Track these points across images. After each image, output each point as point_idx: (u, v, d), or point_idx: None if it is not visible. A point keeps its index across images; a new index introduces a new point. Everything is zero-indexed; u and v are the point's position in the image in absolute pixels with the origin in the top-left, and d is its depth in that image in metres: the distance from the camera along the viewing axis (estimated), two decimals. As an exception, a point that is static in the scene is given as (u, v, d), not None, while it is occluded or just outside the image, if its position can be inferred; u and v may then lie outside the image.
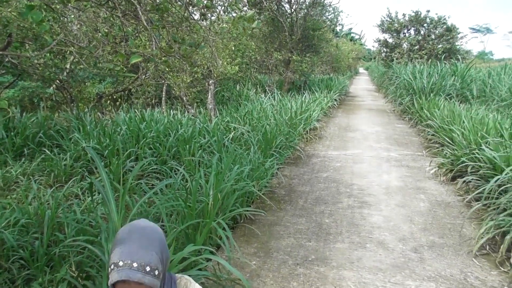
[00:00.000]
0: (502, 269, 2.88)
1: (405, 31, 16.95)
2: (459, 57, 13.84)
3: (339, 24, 15.46)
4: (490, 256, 3.08)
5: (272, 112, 7.46)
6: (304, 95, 10.37)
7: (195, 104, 8.43)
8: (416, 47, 16.00)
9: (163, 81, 7.87)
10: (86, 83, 7.97)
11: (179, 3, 2.69)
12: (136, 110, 6.94)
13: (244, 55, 9.37)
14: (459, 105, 8.15)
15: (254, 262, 2.98)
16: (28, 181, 4.00)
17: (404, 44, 16.72)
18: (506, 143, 4.54)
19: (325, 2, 12.74)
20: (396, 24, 16.68)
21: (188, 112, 7.48)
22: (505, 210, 3.32)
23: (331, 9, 13.53)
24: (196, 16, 2.99)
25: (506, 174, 3.68)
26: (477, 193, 3.87)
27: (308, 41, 12.32)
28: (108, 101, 9.09)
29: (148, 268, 0.96)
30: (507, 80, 9.18)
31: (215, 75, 7.57)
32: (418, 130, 8.29)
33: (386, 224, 3.68)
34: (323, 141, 7.52)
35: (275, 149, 5.63)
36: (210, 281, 2.58)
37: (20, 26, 3.97)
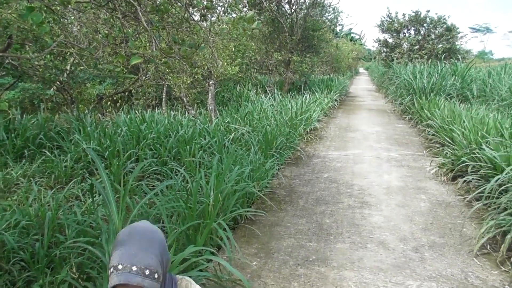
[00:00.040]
0: (503, 268, 2.88)
1: (405, 31, 16.95)
2: (459, 56, 13.83)
3: (339, 25, 15.47)
4: (491, 255, 3.07)
5: (272, 112, 7.46)
6: (304, 96, 10.37)
7: (195, 105, 8.43)
8: (416, 47, 16.00)
9: (163, 82, 7.88)
10: (87, 85, 7.99)
11: (179, 4, 2.70)
12: (136, 111, 6.95)
13: (244, 56, 9.37)
14: (460, 105, 8.15)
15: (254, 263, 2.98)
16: (28, 182, 4.00)
17: (404, 44, 16.73)
18: (507, 142, 4.53)
19: (325, 2, 12.76)
20: (396, 24, 16.69)
21: (188, 113, 7.49)
22: (505, 209, 3.32)
23: (331, 9, 13.54)
24: (196, 17, 3.00)
25: (506, 174, 3.68)
26: (477, 193, 3.87)
27: (308, 41, 12.32)
28: (109, 102, 9.10)
29: (147, 272, 0.96)
30: (507, 79, 9.17)
31: (215, 76, 7.57)
32: (419, 130, 8.28)
33: (386, 224, 3.68)
34: (324, 141, 7.52)
35: (276, 149, 5.63)
36: (211, 282, 2.58)
37: (20, 27, 3.98)
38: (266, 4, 11.04)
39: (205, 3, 2.55)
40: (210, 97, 7.74)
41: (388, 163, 5.88)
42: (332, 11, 13.67)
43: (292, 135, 6.47)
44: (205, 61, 6.68)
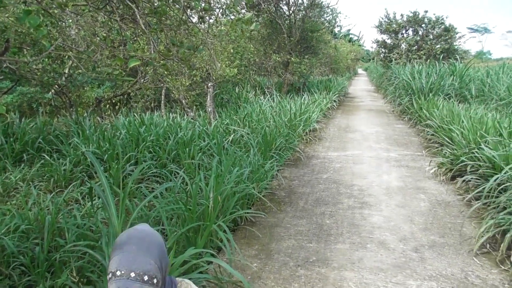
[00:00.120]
0: (503, 267, 2.88)
1: (403, 31, 16.98)
2: (458, 57, 13.84)
3: (337, 26, 15.53)
4: (491, 254, 3.07)
5: (271, 114, 7.47)
6: (303, 97, 10.39)
7: (194, 107, 8.44)
8: (414, 48, 16.03)
9: (162, 84, 7.87)
10: (85, 88, 7.98)
11: (177, 6, 2.70)
12: (135, 114, 6.95)
13: (242, 58, 9.39)
14: (458, 105, 8.16)
15: (255, 264, 2.98)
16: (27, 186, 4.00)
17: (402, 44, 16.75)
18: (505, 142, 4.54)
19: (323, 3, 12.79)
20: (394, 25, 16.72)
21: (187, 115, 7.49)
22: (505, 208, 3.32)
23: (329, 10, 13.57)
24: (194, 19, 3.00)
25: (505, 173, 3.68)
26: (477, 192, 3.87)
27: (306, 42, 12.35)
28: (107, 105, 9.10)
29: (146, 277, 0.96)
30: (505, 79, 9.19)
31: (214, 77, 7.58)
32: (418, 130, 8.29)
33: (386, 224, 3.68)
34: (323, 142, 7.52)
35: (275, 151, 5.63)
36: (212, 284, 2.57)
37: (17, 31, 3.98)
38: (264, 5, 11.06)
39: (203, 5, 2.55)
40: (209, 99, 7.75)
41: (387, 163, 5.88)
42: (330, 12, 13.70)
43: (291, 136, 6.47)
44: (204, 63, 6.69)
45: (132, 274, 0.95)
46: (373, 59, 33.73)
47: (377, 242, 3.32)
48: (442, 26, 15.49)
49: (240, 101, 9.55)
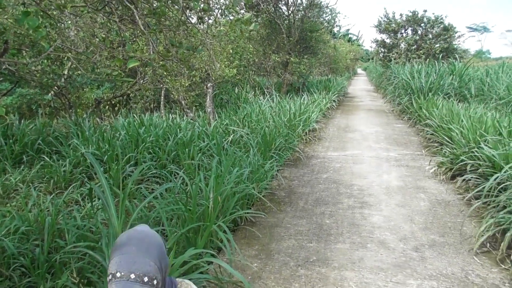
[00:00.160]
0: (503, 266, 2.88)
1: (403, 31, 16.99)
2: (457, 56, 13.84)
3: (336, 26, 15.55)
4: (491, 253, 3.07)
5: (271, 114, 7.47)
6: (302, 97, 10.39)
7: (193, 107, 8.44)
8: (413, 47, 16.04)
9: (161, 85, 7.88)
10: (84, 89, 7.99)
11: (176, 7, 2.70)
12: (135, 115, 6.94)
13: (242, 58, 9.39)
14: (458, 104, 8.16)
15: (255, 264, 2.98)
16: (27, 188, 3.99)
17: (401, 44, 16.76)
18: (505, 141, 4.54)
19: (322, 3, 12.81)
20: (393, 24, 16.73)
21: (187, 115, 7.49)
22: (505, 207, 3.32)
23: (328, 10, 13.59)
24: (193, 19, 3.00)
25: (505, 172, 3.68)
26: (476, 191, 3.87)
27: (305, 42, 12.35)
28: (107, 107, 9.10)
29: (146, 279, 0.96)
30: (505, 78, 9.20)
31: (213, 78, 7.58)
32: (417, 130, 8.30)
33: (386, 224, 3.68)
34: (323, 142, 7.52)
35: (275, 151, 5.63)
36: (212, 284, 2.57)
37: (16, 33, 3.98)
38: (263, 5, 11.07)
39: (202, 5, 2.56)
40: (208, 99, 7.75)
41: (387, 163, 5.88)
42: (329, 12, 13.73)
43: (291, 136, 6.47)
44: (203, 64, 6.69)
45: (132, 276, 0.95)
46: (372, 58, 33.76)
47: (377, 242, 3.32)
48: (441, 26, 15.50)
49: (240, 101, 9.56)
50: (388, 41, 17.43)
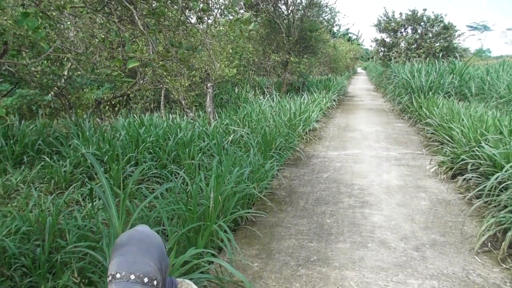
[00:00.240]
0: (504, 266, 2.88)
1: (402, 30, 16.98)
2: (457, 55, 13.83)
3: (336, 25, 15.53)
4: (492, 253, 3.07)
5: (271, 113, 7.47)
6: (302, 96, 10.39)
7: (194, 107, 8.44)
8: (413, 46, 16.03)
9: (161, 85, 7.88)
10: (84, 89, 7.99)
11: (175, 7, 2.70)
12: (135, 115, 6.94)
13: (241, 58, 9.39)
14: (458, 103, 8.16)
15: (256, 264, 2.98)
16: (28, 188, 3.99)
17: (401, 43, 16.75)
18: (506, 140, 4.54)
19: (322, 3, 12.80)
20: (393, 24, 16.72)
21: (187, 115, 7.49)
22: (506, 207, 3.32)
23: (327, 9, 13.59)
24: (193, 19, 3.00)
25: (506, 171, 3.68)
26: (477, 191, 3.87)
27: (305, 42, 12.35)
28: (107, 107, 9.10)
29: (146, 279, 0.96)
30: (505, 77, 9.18)
31: (213, 78, 7.58)
32: (418, 129, 8.29)
33: (387, 223, 3.68)
34: (323, 141, 7.52)
35: (275, 150, 5.63)
36: (213, 284, 2.57)
37: (16, 34, 3.98)
38: (263, 5, 11.06)
39: (201, 5, 2.55)
40: (208, 99, 7.75)
41: (387, 162, 5.88)
42: (329, 12, 13.73)
43: (291, 136, 6.47)
44: (203, 64, 6.69)
45: (132, 277, 0.94)
46: (372, 58, 33.74)
47: (378, 241, 3.32)
48: (441, 24, 15.49)
49: (240, 101, 9.55)
50: (388, 40, 17.42)
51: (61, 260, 2.46)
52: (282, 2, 11.84)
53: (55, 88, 6.98)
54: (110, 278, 0.96)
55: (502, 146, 4.34)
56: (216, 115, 7.78)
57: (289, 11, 11.86)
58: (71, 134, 5.68)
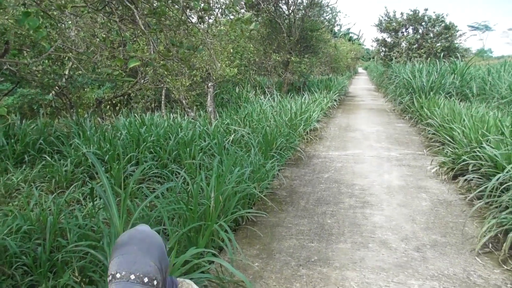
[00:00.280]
0: (505, 267, 2.87)
1: (404, 30, 16.96)
2: (458, 55, 13.81)
3: (337, 25, 15.52)
4: (493, 254, 3.07)
5: (272, 113, 7.46)
6: (303, 96, 10.38)
7: (194, 107, 8.44)
8: (414, 46, 16.01)
9: (162, 85, 7.88)
10: (85, 89, 7.99)
11: (176, 6, 2.70)
12: (136, 115, 6.95)
13: (242, 57, 9.38)
14: (459, 103, 8.15)
15: (256, 264, 2.98)
16: (29, 187, 4.00)
17: (402, 43, 16.73)
18: (507, 140, 4.52)
19: (323, 2, 12.78)
20: (394, 23, 16.70)
21: (188, 115, 7.49)
22: (507, 208, 3.31)
23: (328, 9, 13.57)
24: (194, 19, 3.00)
25: (507, 172, 3.67)
26: (479, 191, 3.86)
27: (306, 42, 12.34)
28: (108, 106, 9.10)
29: (146, 279, 0.96)
30: (507, 77, 9.17)
31: (214, 77, 7.57)
32: (419, 129, 8.28)
33: (388, 224, 3.67)
34: (324, 141, 7.52)
35: (276, 150, 5.63)
36: (213, 284, 2.57)
37: (17, 33, 3.98)
38: (264, 5, 11.06)
39: (202, 5, 2.55)
40: (209, 99, 7.75)
41: (388, 162, 5.87)
42: (330, 11, 13.71)
43: (292, 136, 6.47)
44: (204, 63, 6.69)
45: (132, 277, 0.94)
46: (373, 58, 33.71)
47: (379, 242, 3.32)
48: (443, 24, 15.46)
49: (241, 100, 9.55)
50: (389, 40, 17.41)
51: (62, 259, 2.46)
52: (283, 1, 11.83)
53: (56, 87, 6.98)
54: (110, 277, 0.96)
55: (504, 147, 4.33)
56: (217, 114, 7.78)
57: (290, 11, 11.86)
58: (72, 134, 5.69)
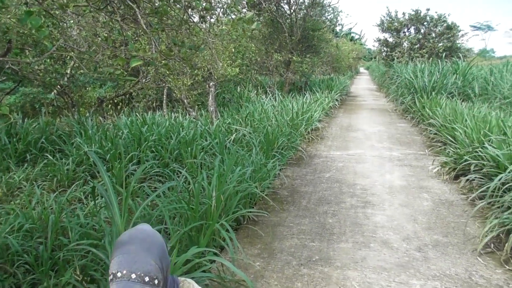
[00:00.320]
0: (507, 267, 2.86)
1: (405, 30, 16.93)
2: (460, 55, 13.78)
3: (338, 24, 15.47)
4: (495, 254, 3.06)
5: (273, 113, 7.46)
6: (305, 96, 10.37)
7: (196, 106, 8.44)
8: (416, 46, 15.98)
9: (163, 84, 7.89)
10: (87, 88, 8.00)
11: (178, 6, 2.70)
12: (137, 114, 6.96)
13: (244, 57, 9.38)
14: (461, 104, 8.12)
15: (258, 263, 2.98)
16: (31, 186, 4.01)
17: (404, 43, 16.70)
18: (510, 140, 4.51)
19: (325, 2, 12.75)
20: (396, 23, 16.67)
21: (189, 114, 7.49)
22: (509, 208, 3.30)
23: (330, 9, 13.54)
24: (196, 18, 3.00)
25: (509, 172, 3.66)
26: (480, 192, 3.85)
27: (308, 41, 12.32)
28: (109, 105, 9.12)
29: (147, 278, 0.95)
30: (509, 77, 9.14)
31: (216, 77, 7.58)
32: (420, 129, 8.27)
33: (389, 224, 3.67)
34: (325, 141, 7.51)
35: (277, 150, 5.62)
36: (215, 283, 2.57)
37: (19, 32, 3.99)
38: (265, 4, 11.05)
39: (204, 4, 2.55)
40: (210, 98, 7.75)
41: (390, 162, 5.86)
42: (331, 11, 13.68)
43: (293, 135, 6.46)
44: (205, 63, 6.69)
45: (133, 276, 0.94)
46: (375, 57, 33.63)
47: (380, 241, 3.31)
48: (445, 24, 15.43)
49: (242, 100, 9.55)
50: (390, 40, 17.38)
51: (64, 258, 2.47)
52: (285, 1, 11.82)
53: (58, 86, 6.99)
54: (111, 277, 0.96)
55: (506, 147, 4.32)
56: (219, 114, 7.78)
57: (292, 11, 11.84)
58: (74, 133, 5.70)
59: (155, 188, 4.08)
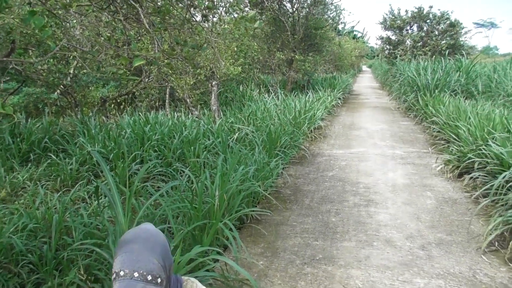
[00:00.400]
0: (512, 265, 2.85)
1: (408, 27, 16.84)
2: (464, 52, 13.69)
3: (341, 23, 15.44)
4: (499, 252, 3.04)
5: (276, 112, 7.45)
6: (307, 94, 10.36)
7: (198, 105, 8.45)
8: (419, 44, 15.90)
9: (166, 83, 7.90)
10: (90, 88, 8.03)
11: (180, 5, 2.70)
12: (140, 113, 6.97)
13: (246, 56, 9.37)
14: (465, 101, 8.08)
15: (261, 262, 2.98)
16: (35, 186, 4.03)
17: (407, 41, 16.62)
18: (513, 138, 4.49)
19: (327, 0, 12.71)
20: (398, 21, 16.59)
21: (192, 114, 7.50)
22: (513, 205, 3.28)
23: (333, 7, 13.47)
24: (198, 17, 3.00)
25: (513, 169, 3.64)
26: (484, 190, 3.83)
27: (310, 40, 12.29)
28: (112, 105, 9.14)
29: (149, 277, 0.96)
30: (512, 74, 9.09)
31: (218, 76, 7.58)
32: (423, 127, 8.24)
33: (393, 222, 3.66)
34: (328, 139, 7.50)
35: (280, 148, 5.62)
36: (218, 282, 2.58)
37: (23, 32, 4.00)
38: (268, 3, 11.03)
39: (206, 3, 2.55)
40: (213, 97, 7.75)
41: (393, 160, 5.85)
42: (334, 9, 13.61)
43: (296, 134, 6.46)
44: (208, 62, 6.70)
45: (136, 274, 0.95)
46: (377, 56, 33.47)
47: (384, 240, 3.30)
48: (447, 22, 15.34)
49: (245, 99, 9.55)
50: (393, 38, 17.30)
51: (68, 257, 2.48)
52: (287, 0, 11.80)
53: (61, 86, 7.02)
54: (114, 275, 0.97)
55: (510, 145, 4.30)
56: (221, 113, 7.78)
57: (294, 9, 11.82)
58: (77, 132, 5.71)
59: (158, 187, 4.09)
